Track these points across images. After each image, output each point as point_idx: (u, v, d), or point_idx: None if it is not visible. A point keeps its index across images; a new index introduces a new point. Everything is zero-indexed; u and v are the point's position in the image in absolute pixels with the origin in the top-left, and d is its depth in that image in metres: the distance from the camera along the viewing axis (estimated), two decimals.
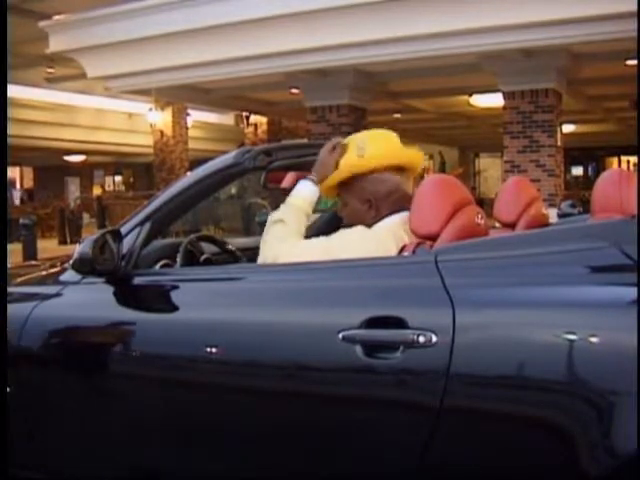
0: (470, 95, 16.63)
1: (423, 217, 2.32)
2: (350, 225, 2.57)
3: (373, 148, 2.66)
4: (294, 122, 20.55)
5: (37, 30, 13.17)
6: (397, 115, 19.66)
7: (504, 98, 12.68)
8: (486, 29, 10.26)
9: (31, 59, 16.61)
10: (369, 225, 2.53)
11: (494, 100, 14.65)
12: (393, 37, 10.87)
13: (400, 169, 2.68)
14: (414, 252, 2.23)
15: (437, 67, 12.36)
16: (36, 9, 13.17)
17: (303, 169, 2.83)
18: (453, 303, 1.92)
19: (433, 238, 2.25)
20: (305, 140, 14.71)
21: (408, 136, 25.32)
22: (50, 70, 18.24)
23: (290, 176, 2.99)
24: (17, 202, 29.21)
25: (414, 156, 2.77)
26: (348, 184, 2.64)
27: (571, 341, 1.78)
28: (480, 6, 10.05)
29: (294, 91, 14.26)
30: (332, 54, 11.56)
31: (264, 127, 21.89)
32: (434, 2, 10.26)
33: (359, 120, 14.12)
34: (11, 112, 22.77)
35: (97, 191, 32.29)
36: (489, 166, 30.83)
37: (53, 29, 13.41)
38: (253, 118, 21.20)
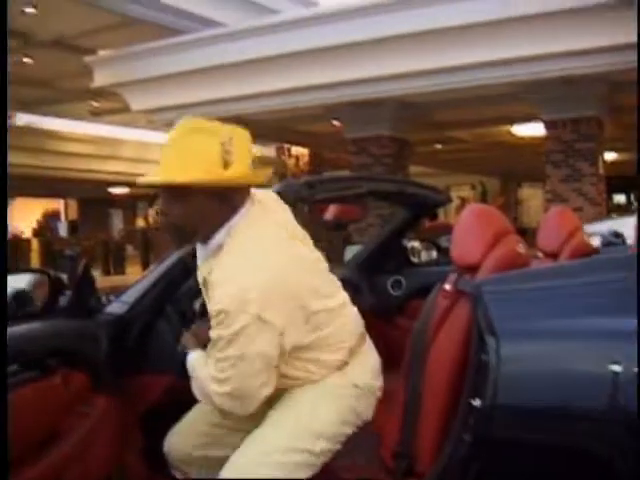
0: (511, 124, 16.56)
1: (464, 248, 2.32)
2: (189, 225, 2.28)
3: (241, 164, 2.28)
4: (335, 154, 20.65)
5: (82, 65, 13.42)
6: (438, 146, 19.64)
7: (545, 127, 12.61)
8: (526, 58, 10.24)
9: (76, 93, 16.88)
10: (221, 223, 2.27)
11: (535, 129, 14.58)
12: (434, 68, 10.90)
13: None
14: (456, 283, 2.23)
15: (478, 97, 12.34)
16: (81, 45, 13.41)
17: (345, 201, 2.83)
18: (497, 334, 1.92)
19: (474, 269, 2.25)
20: (347, 172, 14.76)
21: (449, 166, 25.34)
22: (95, 104, 18.54)
23: (333, 208, 3.00)
24: (62, 234, 29.56)
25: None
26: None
27: (615, 372, 1.77)
28: (519, 35, 10.04)
29: (335, 123, 14.32)
30: (373, 86, 11.63)
31: (305, 159, 21.96)
32: (474, 33, 10.27)
33: (400, 151, 14.12)
34: (56, 145, 23.30)
35: (140, 223, 32.59)
36: (531, 195, 30.58)
37: (98, 64, 13.64)
38: (294, 150, 21.29)
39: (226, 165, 2.14)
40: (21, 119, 21.48)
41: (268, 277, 2.09)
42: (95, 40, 13.21)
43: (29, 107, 17.88)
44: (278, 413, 2.32)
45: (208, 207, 2.18)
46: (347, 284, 2.53)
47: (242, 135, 2.23)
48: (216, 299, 2.10)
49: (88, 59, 13.55)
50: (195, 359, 2.35)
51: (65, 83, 15.91)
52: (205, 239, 2.25)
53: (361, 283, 4.12)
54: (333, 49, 11.28)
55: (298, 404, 2.31)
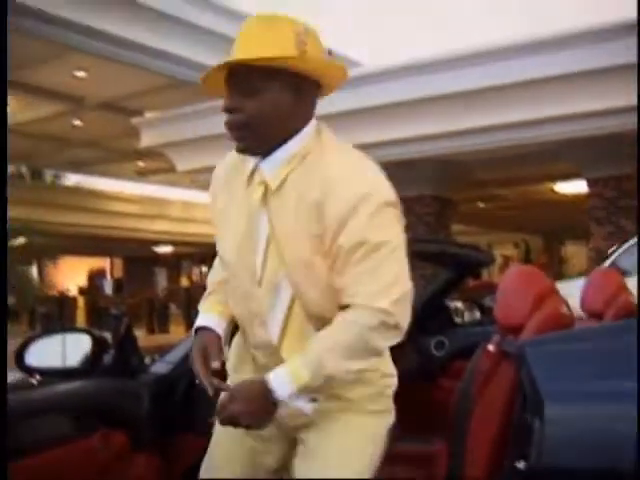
0: (554, 182, 16.52)
1: (508, 308, 2.31)
2: (263, 122, 1.99)
3: (317, 46, 2.08)
4: None
5: (130, 126, 13.70)
6: (481, 204, 19.62)
7: (588, 185, 12.57)
8: (567, 116, 10.27)
9: (123, 154, 17.23)
10: (293, 128, 2.03)
11: (578, 187, 14.53)
12: (476, 127, 10.96)
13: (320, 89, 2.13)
14: (499, 344, 2.22)
15: (520, 155, 12.36)
16: (129, 106, 13.70)
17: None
18: (542, 396, 1.90)
19: (518, 329, 2.24)
20: None
21: (492, 225, 25.26)
22: (141, 164, 18.86)
23: None
24: (108, 292, 29.89)
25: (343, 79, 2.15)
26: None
27: None
28: (561, 94, 10.08)
29: None
30: (416, 145, 11.71)
31: None
32: (515, 92, 10.34)
33: (443, 210, 14.14)
34: (103, 204, 23.70)
35: (184, 282, 32.85)
36: (574, 253, 30.32)
37: (144, 125, 13.92)
38: None
39: (301, 52, 1.96)
40: (70, 179, 21.94)
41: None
42: (142, 102, 13.50)
43: (78, 167, 18.27)
44: (304, 462, 2.07)
45: (283, 101, 1.97)
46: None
47: (315, 32, 2.07)
48: (342, 196, 1.89)
49: (135, 120, 13.84)
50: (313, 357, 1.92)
51: (113, 144, 16.25)
52: (277, 142, 2.01)
53: (404, 344, 4.11)
54: (377, 109, 11.41)
55: (328, 450, 2.05)
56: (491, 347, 2.33)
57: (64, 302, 21.87)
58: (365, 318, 1.90)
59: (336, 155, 2.02)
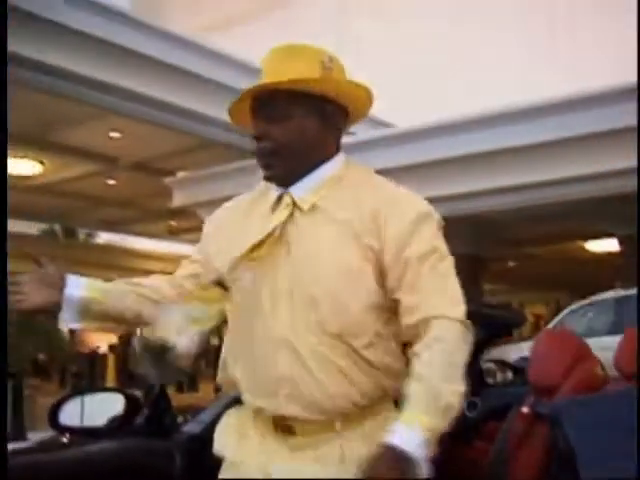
0: (585, 240, 16.44)
1: (542, 370, 2.30)
2: (291, 149, 1.94)
3: (341, 69, 2.04)
4: None
5: (162, 186, 13.87)
6: (511, 263, 19.53)
7: (619, 243, 12.49)
8: (599, 175, 10.26)
9: (155, 213, 17.39)
10: (320, 156, 1.99)
11: (609, 245, 14.45)
12: (506, 186, 10.99)
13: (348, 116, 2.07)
14: (533, 406, 2.21)
15: (551, 214, 12.34)
16: (162, 166, 13.88)
17: None
18: (576, 459, 1.88)
19: (552, 391, 2.23)
20: None
21: (523, 283, 25.11)
22: (172, 223, 19.02)
23: None
24: (139, 350, 29.90)
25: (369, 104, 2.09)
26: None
27: None
28: (591, 153, 10.09)
29: None
30: (446, 205, 11.72)
31: None
32: (546, 150, 10.37)
33: (473, 269, 14.08)
34: (135, 263, 23.88)
35: (214, 340, 32.77)
36: None
37: (176, 185, 14.10)
38: None
39: (325, 74, 1.94)
40: (102, 237, 22.18)
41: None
42: (174, 162, 13.68)
43: (111, 226, 18.47)
44: None
45: (310, 127, 1.93)
46: None
47: (340, 61, 2.03)
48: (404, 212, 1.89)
49: (168, 180, 14.01)
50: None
51: (145, 203, 16.41)
52: (306, 169, 1.96)
53: None
54: (406, 169, 11.47)
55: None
56: (525, 409, 2.31)
57: (95, 361, 21.90)
58: (453, 331, 1.81)
59: (380, 179, 2.05)
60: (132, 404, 2.92)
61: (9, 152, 11.57)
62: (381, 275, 1.85)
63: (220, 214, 2.22)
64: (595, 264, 19.90)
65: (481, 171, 11.02)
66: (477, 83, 16.52)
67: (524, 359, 5.32)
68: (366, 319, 1.85)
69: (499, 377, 4.79)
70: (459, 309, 1.84)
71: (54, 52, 8.30)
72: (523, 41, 17.36)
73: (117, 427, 2.88)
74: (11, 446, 2.38)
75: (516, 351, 10.54)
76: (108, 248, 22.11)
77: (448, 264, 1.91)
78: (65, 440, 2.85)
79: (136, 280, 2.21)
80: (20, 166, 12.51)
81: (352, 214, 1.88)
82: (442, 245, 1.93)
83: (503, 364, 4.94)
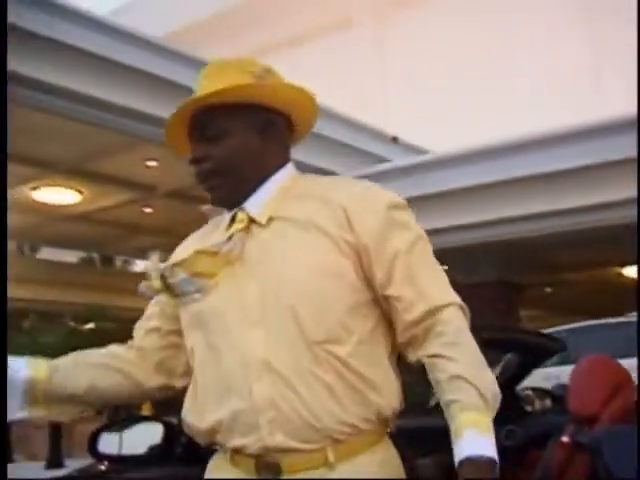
0: (622, 266, 16.28)
1: (582, 398, 2.28)
2: (230, 167, 1.82)
3: (278, 77, 1.92)
4: None
5: (198, 213, 13.96)
6: (548, 289, 19.36)
7: None
8: (635, 199, 10.18)
9: None
10: (263, 170, 1.85)
11: None
12: (544, 211, 10.92)
13: (292, 124, 1.93)
14: (574, 435, 2.19)
15: (588, 239, 12.22)
16: (198, 194, 13.96)
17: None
18: None
19: (593, 420, 2.20)
20: None
21: (560, 309, 24.80)
22: None
23: None
24: None
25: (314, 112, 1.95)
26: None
27: None
28: (630, 177, 10.01)
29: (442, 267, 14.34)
30: (482, 230, 11.68)
31: None
32: (586, 175, 10.30)
33: (510, 295, 13.97)
34: None
35: None
36: None
37: (213, 212, 14.16)
38: None
39: (258, 80, 1.82)
40: (139, 265, 22.37)
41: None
42: None
43: (147, 254, 18.64)
44: None
45: (250, 142, 1.81)
46: None
47: (277, 72, 1.91)
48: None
49: (204, 208, 14.10)
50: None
51: (181, 230, 16.47)
52: (252, 186, 1.83)
53: None
54: (441, 195, 11.45)
55: None
56: (565, 438, 2.29)
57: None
58: (461, 318, 1.75)
59: (332, 178, 1.94)
60: (170, 432, 2.93)
61: (48, 182, 11.72)
62: (364, 271, 1.72)
63: (174, 253, 2.05)
64: (633, 290, 19.66)
65: (516, 196, 10.96)
66: (513, 109, 16.50)
67: (562, 386, 5.26)
68: (352, 322, 1.69)
69: (537, 404, 4.76)
70: (454, 294, 1.78)
71: (95, 83, 8.45)
72: (565, 65, 17.33)
73: (156, 455, 2.89)
74: (49, 474, 2.40)
75: (552, 377, 10.39)
76: (145, 275, 22.26)
77: (429, 249, 1.84)
78: (103, 468, 2.87)
79: (87, 351, 2.00)
80: (59, 195, 12.68)
81: (314, 213, 1.74)
82: (422, 230, 1.84)
83: (542, 391, 4.90)
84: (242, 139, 1.82)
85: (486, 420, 1.58)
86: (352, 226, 1.71)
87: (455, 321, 1.70)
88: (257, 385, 1.65)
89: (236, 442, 1.68)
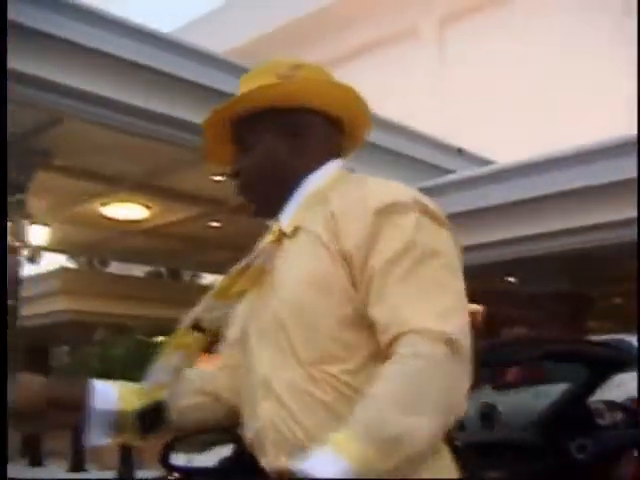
0: None
1: None
2: (262, 179, 1.71)
3: (308, 72, 1.73)
4: (510, 310, 20.34)
5: (264, 227, 14.05)
6: (618, 299, 19.01)
7: None
8: None
9: None
10: (296, 175, 1.70)
11: None
12: (613, 221, 10.77)
13: (336, 122, 1.75)
14: None
15: None
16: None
17: (525, 364, 2.79)
18: None
19: None
20: (523, 330, 14.48)
21: (631, 320, 24.30)
22: None
23: (513, 371, 2.97)
24: None
25: (360, 108, 1.76)
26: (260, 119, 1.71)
27: None
28: None
29: (510, 279, 14.20)
30: (551, 240, 11.54)
31: (479, 317, 21.66)
32: None
33: (579, 306, 13.76)
34: None
35: None
36: None
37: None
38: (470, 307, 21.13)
39: (283, 79, 1.68)
40: (206, 279, 22.59)
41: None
42: None
43: (214, 267, 18.80)
44: None
45: (278, 149, 1.67)
46: (527, 448, 2.45)
47: (314, 65, 1.74)
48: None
49: (269, 222, 14.21)
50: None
51: (248, 244, 16.58)
52: (284, 194, 1.70)
53: (543, 447, 3.99)
54: (509, 205, 11.36)
55: None
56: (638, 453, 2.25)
57: None
58: (426, 347, 1.39)
59: (367, 177, 1.66)
60: (241, 445, 2.95)
61: (117, 198, 11.92)
62: (354, 285, 1.50)
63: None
64: None
65: (584, 206, 10.82)
66: (577, 119, 16.29)
67: (632, 399, 5.16)
68: (350, 336, 1.50)
69: (608, 418, 4.67)
70: (446, 323, 1.42)
71: (164, 101, 8.60)
72: (627, 73, 17.04)
73: (226, 468, 2.92)
74: None
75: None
76: (210, 289, 22.48)
77: (436, 264, 1.49)
78: (173, 479, 2.91)
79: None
80: (127, 211, 12.89)
81: (318, 219, 1.58)
82: (424, 239, 1.50)
83: (612, 404, 4.82)
84: (268, 148, 1.70)
85: (355, 450, 1.29)
86: (338, 234, 1.52)
87: (418, 349, 1.39)
88: (260, 406, 1.57)
89: (261, 462, 1.60)
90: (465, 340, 1.42)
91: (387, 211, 1.50)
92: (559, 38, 18.10)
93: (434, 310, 1.43)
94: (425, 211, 1.53)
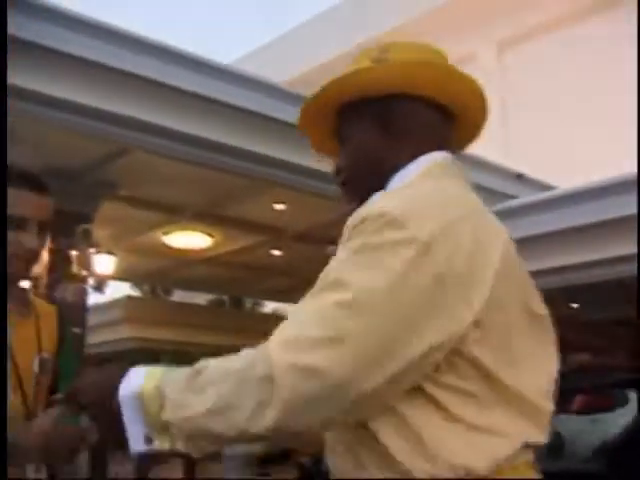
0: None
1: None
2: (355, 174, 1.61)
3: (402, 53, 1.57)
4: (573, 336, 20.01)
5: (324, 254, 14.06)
6: None
7: None
8: None
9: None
10: (390, 168, 1.56)
11: None
12: None
13: (442, 108, 1.60)
14: None
15: None
16: (325, 235, 14.12)
17: (593, 391, 2.75)
18: None
19: None
20: (586, 356, 14.25)
21: None
22: None
23: (580, 399, 2.93)
24: None
25: (470, 90, 1.59)
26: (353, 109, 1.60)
27: None
28: None
29: (573, 305, 14.00)
30: (615, 267, 11.36)
31: None
32: None
33: None
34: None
35: None
36: None
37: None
38: None
39: (375, 62, 1.54)
40: (268, 306, 22.72)
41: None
42: (335, 231, 13.87)
43: (276, 295, 18.91)
44: None
45: (370, 140, 1.57)
46: (592, 477, 2.41)
47: (407, 43, 1.59)
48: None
49: (330, 249, 14.21)
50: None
51: (310, 272, 16.61)
52: (383, 183, 1.57)
53: (609, 476, 3.93)
54: (572, 230, 11.24)
55: None
56: None
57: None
58: (247, 358, 1.40)
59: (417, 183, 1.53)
60: (304, 472, 2.97)
61: (179, 226, 12.05)
62: None
63: None
64: None
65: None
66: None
67: None
68: None
69: None
70: (276, 338, 1.37)
71: (225, 131, 8.72)
72: None
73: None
74: None
75: None
76: (274, 317, 22.59)
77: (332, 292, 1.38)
78: None
79: None
80: (190, 240, 13.03)
81: None
82: (345, 267, 1.39)
83: None
84: (360, 141, 1.60)
85: (157, 379, 1.43)
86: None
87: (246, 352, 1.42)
88: None
89: None
90: (297, 357, 1.33)
91: (359, 225, 1.43)
92: (629, 66, 17.84)
93: (284, 327, 1.44)
94: (391, 219, 1.41)
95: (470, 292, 1.35)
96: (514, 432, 1.39)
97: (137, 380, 1.44)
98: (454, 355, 1.37)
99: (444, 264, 1.33)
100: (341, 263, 1.42)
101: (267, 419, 1.29)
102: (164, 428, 1.39)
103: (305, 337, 1.32)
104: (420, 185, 1.51)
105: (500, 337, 1.41)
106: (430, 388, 1.37)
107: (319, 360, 1.27)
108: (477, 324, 1.37)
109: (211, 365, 1.48)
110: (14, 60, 6.91)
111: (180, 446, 1.38)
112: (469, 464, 1.33)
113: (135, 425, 1.40)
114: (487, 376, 1.39)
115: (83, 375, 1.60)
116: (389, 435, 1.36)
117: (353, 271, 1.36)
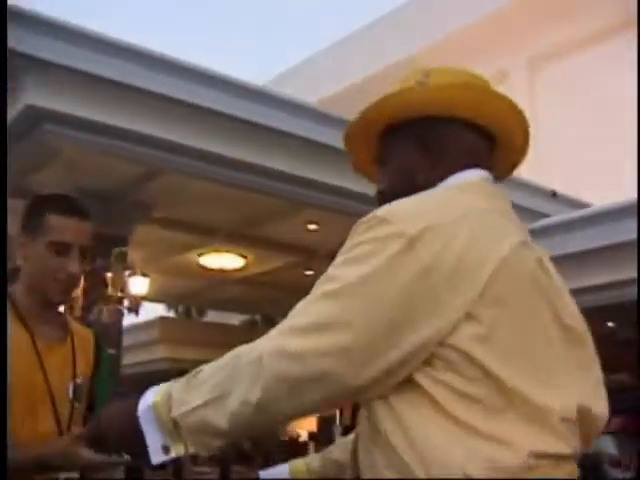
0: None
1: None
2: (395, 194, 1.58)
3: (442, 76, 1.62)
4: (610, 354, 19.79)
5: None
6: None
7: None
8: None
9: None
10: (428, 187, 1.57)
11: None
12: None
13: (481, 130, 1.62)
14: None
15: None
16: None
17: (629, 411, 2.74)
18: None
19: None
20: (622, 376, 14.07)
21: None
22: None
23: (618, 420, 2.91)
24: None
25: (508, 110, 1.60)
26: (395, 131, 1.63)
27: None
28: None
29: (610, 324, 13.85)
30: None
31: None
32: None
33: None
34: None
35: None
36: None
37: None
38: None
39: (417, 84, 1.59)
40: None
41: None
42: None
43: None
44: None
45: (409, 160, 1.60)
46: None
47: (453, 69, 1.68)
48: None
49: None
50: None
51: None
52: None
53: None
54: (606, 249, 11.14)
55: None
56: None
57: (295, 449, 22.17)
58: (240, 349, 1.60)
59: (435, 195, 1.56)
60: None
61: (214, 247, 12.05)
62: None
63: None
64: None
65: None
66: None
67: None
68: None
69: None
70: (275, 330, 1.53)
71: (258, 153, 8.78)
72: None
73: None
74: None
75: None
76: None
77: (336, 286, 1.51)
78: None
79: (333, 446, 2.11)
80: (224, 260, 13.08)
81: None
82: (373, 248, 1.47)
83: None
84: (402, 162, 1.64)
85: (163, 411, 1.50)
86: None
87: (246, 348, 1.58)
88: None
89: None
90: (293, 343, 1.49)
91: (356, 229, 1.62)
92: None
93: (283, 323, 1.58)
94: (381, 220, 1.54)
95: (458, 285, 1.36)
96: (520, 441, 1.37)
97: (151, 395, 1.56)
98: (448, 350, 1.39)
99: (430, 259, 1.37)
100: (334, 263, 1.59)
101: (254, 398, 1.40)
102: (175, 430, 1.47)
103: (293, 325, 1.51)
104: (431, 193, 1.55)
105: (510, 340, 1.41)
106: (429, 386, 1.40)
107: (304, 346, 1.40)
108: (469, 317, 1.38)
109: (210, 364, 1.64)
110: (47, 82, 7.02)
111: (190, 446, 1.46)
112: (466, 470, 1.33)
113: (153, 436, 1.48)
114: (495, 381, 1.37)
115: (103, 411, 1.71)
116: (396, 435, 1.40)
117: (342, 267, 1.54)
